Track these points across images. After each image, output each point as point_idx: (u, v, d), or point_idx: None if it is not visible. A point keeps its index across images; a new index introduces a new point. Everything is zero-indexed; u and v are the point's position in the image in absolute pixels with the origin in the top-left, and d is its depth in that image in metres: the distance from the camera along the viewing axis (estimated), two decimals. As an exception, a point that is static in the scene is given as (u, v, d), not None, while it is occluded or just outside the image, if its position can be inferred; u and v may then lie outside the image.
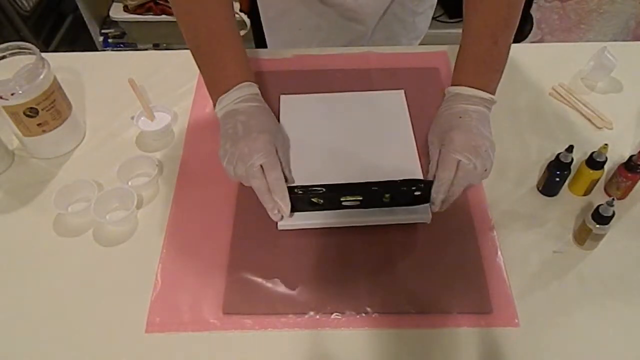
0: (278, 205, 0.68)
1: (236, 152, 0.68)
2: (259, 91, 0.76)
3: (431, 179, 0.71)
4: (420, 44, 1.14)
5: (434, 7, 1.11)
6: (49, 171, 0.82)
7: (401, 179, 0.70)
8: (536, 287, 0.68)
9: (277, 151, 0.70)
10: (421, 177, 0.75)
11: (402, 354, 0.63)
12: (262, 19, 1.05)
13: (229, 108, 0.72)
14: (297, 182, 0.71)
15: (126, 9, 1.92)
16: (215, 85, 0.74)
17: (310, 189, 0.69)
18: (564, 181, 0.76)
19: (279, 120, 0.84)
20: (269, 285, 0.68)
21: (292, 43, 1.05)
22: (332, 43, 1.04)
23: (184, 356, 0.63)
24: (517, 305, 0.66)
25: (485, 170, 0.71)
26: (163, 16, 1.91)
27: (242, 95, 0.73)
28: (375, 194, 0.70)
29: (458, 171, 0.69)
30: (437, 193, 0.69)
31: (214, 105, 0.75)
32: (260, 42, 1.11)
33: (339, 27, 1.01)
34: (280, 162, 0.70)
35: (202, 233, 0.74)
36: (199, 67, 0.76)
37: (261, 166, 0.67)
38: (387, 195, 0.70)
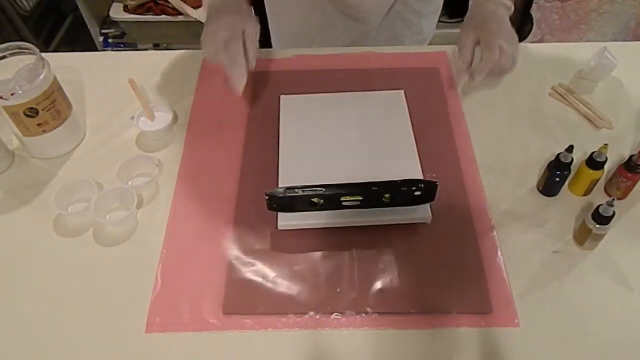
0: (238, 73, 0.75)
1: (207, 32, 0.78)
2: None
3: (431, 180, 0.71)
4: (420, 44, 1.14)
5: (439, 10, 1.11)
6: (49, 171, 0.82)
7: (401, 179, 0.70)
8: (536, 287, 0.68)
9: (243, 32, 0.77)
10: (421, 177, 0.75)
11: (402, 354, 0.63)
12: (267, 14, 1.06)
13: (211, 4, 0.81)
14: (298, 182, 0.71)
15: (126, 9, 1.92)
16: None
17: (310, 189, 0.69)
18: (564, 181, 0.76)
19: (279, 120, 0.84)
20: (269, 285, 0.68)
21: (296, 39, 1.05)
22: (334, 42, 1.04)
23: (184, 356, 0.63)
24: (517, 305, 0.66)
25: (514, 62, 0.79)
26: (163, 16, 1.91)
27: None
28: (375, 194, 0.70)
29: (500, 56, 0.77)
30: (481, 71, 0.78)
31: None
32: (264, 40, 1.11)
33: (341, 25, 1.02)
34: (244, 41, 0.77)
35: (202, 233, 0.74)
36: None
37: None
38: (387, 195, 0.70)
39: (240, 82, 0.76)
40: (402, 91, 0.89)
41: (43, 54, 0.78)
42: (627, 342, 0.64)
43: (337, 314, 0.66)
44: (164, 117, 0.86)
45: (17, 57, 0.78)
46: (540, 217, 0.75)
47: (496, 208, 0.76)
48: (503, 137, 0.85)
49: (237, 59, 0.75)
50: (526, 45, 1.02)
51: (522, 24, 1.87)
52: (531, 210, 0.76)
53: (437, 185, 0.70)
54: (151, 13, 1.92)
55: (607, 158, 0.73)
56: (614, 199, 0.67)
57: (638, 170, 0.73)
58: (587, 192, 0.77)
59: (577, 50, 1.00)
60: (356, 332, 0.64)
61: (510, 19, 0.83)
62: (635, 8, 1.89)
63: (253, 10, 0.91)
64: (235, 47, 0.75)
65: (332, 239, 0.72)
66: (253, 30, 0.80)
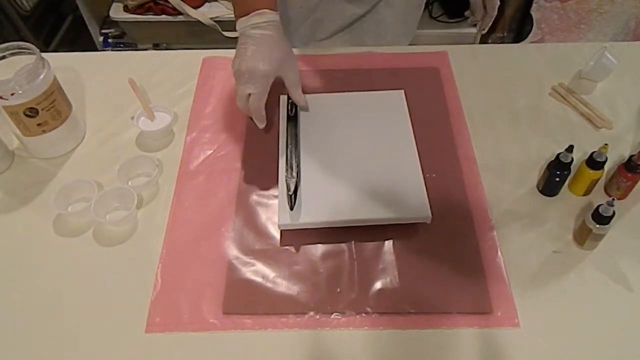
0: (258, 122, 0.82)
1: (238, 74, 0.77)
2: (277, 18, 0.79)
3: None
4: (420, 44, 1.13)
5: (423, 6, 1.11)
6: (49, 171, 0.82)
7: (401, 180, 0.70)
8: (536, 287, 0.68)
9: (278, 79, 0.79)
10: (421, 177, 0.75)
11: (402, 354, 0.63)
12: None
13: (245, 31, 0.77)
14: (297, 182, 0.72)
15: (126, 9, 1.92)
16: (239, 6, 0.79)
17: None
18: (564, 181, 0.76)
19: (279, 120, 0.84)
20: (269, 285, 0.68)
21: (292, 20, 1.04)
22: (326, 25, 1.03)
23: (184, 356, 0.63)
24: (517, 305, 0.66)
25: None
26: (163, 16, 1.91)
27: (258, 21, 0.77)
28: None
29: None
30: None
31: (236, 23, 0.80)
32: None
33: (336, 7, 1.01)
34: (288, 91, 0.83)
35: (202, 233, 0.74)
36: None
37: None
38: None
39: (260, 125, 0.83)
40: (402, 91, 0.89)
41: (43, 54, 0.78)
42: (627, 342, 0.64)
43: (337, 314, 0.66)
44: (164, 117, 0.86)
45: (17, 57, 0.78)
46: (540, 217, 0.75)
47: (496, 208, 0.76)
48: (503, 137, 0.85)
49: (258, 116, 0.80)
50: (526, 45, 1.02)
51: (522, 24, 1.87)
52: (531, 210, 0.76)
53: None
54: (151, 13, 1.92)
55: (607, 158, 0.73)
56: (614, 199, 0.67)
57: (638, 170, 0.73)
58: (587, 192, 0.77)
59: (577, 50, 1.00)
60: (356, 332, 0.64)
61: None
62: (635, 8, 1.89)
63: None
64: (257, 107, 0.79)
65: (332, 239, 0.72)
66: (293, 71, 0.82)
